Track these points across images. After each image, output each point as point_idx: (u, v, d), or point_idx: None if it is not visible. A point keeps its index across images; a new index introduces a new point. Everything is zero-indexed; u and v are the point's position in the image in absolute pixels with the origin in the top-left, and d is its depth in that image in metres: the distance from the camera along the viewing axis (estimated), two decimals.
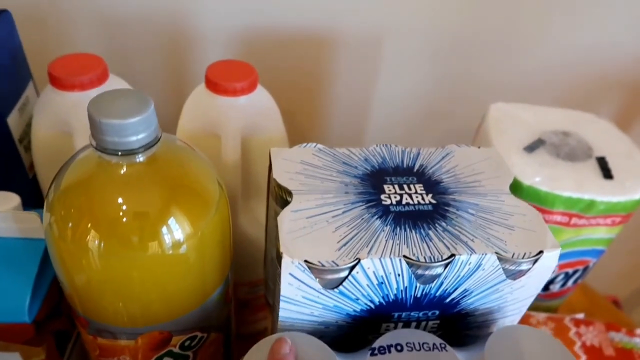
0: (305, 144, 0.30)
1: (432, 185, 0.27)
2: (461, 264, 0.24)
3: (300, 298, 0.24)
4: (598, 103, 0.66)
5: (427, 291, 0.25)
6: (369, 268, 0.23)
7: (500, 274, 0.25)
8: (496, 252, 0.24)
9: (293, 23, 0.59)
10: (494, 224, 0.26)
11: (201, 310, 0.25)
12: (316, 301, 0.24)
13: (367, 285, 0.24)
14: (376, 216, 0.25)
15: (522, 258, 0.24)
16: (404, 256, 0.23)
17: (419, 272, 0.24)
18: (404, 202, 0.26)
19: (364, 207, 0.26)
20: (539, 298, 0.42)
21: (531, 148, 0.37)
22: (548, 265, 0.25)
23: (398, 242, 0.24)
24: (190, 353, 0.27)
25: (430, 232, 0.25)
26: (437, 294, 0.25)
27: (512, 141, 0.38)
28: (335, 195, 0.26)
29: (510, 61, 0.62)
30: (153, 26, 0.58)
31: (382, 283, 0.24)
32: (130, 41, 0.57)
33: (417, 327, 0.27)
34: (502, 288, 0.25)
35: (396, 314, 0.26)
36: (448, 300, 0.25)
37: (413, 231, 0.25)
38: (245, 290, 0.40)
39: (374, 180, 0.27)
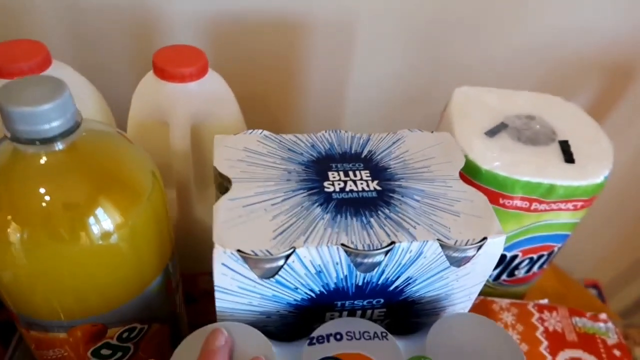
0: (251, 131, 0.29)
1: (378, 171, 0.27)
2: (402, 251, 0.23)
3: (236, 288, 0.23)
4: (574, 87, 0.65)
5: (369, 279, 0.24)
6: (305, 257, 0.22)
7: (443, 261, 0.24)
8: (438, 239, 0.23)
9: (265, 7, 0.58)
10: (439, 210, 0.25)
11: (138, 302, 0.25)
12: (253, 291, 0.23)
13: (305, 274, 0.23)
14: (317, 204, 0.25)
15: (465, 245, 0.24)
16: (342, 244, 0.23)
17: (358, 260, 0.23)
18: (347, 189, 0.25)
19: (305, 194, 0.25)
20: (504, 284, 0.42)
21: (493, 132, 0.37)
22: (493, 251, 0.24)
23: (337, 230, 0.23)
24: (130, 345, 0.26)
25: (372, 220, 0.24)
26: (380, 282, 0.24)
27: (474, 125, 0.37)
28: (277, 183, 0.25)
29: (485, 45, 0.61)
30: (119, 11, 0.56)
31: (320, 272, 0.23)
32: (95, 26, 0.56)
33: (362, 315, 0.26)
34: (447, 275, 0.25)
35: (339, 303, 0.25)
36: (392, 288, 0.25)
37: (354, 219, 0.24)
38: (207, 280, 0.40)
39: (318, 167, 0.27)
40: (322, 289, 0.24)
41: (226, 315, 0.24)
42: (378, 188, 0.26)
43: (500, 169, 0.34)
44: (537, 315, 0.38)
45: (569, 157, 0.35)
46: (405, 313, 0.27)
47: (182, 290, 0.34)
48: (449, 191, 0.26)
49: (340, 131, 0.29)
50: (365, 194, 0.25)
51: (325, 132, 0.29)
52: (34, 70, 0.30)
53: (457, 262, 0.24)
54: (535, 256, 0.39)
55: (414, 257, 0.24)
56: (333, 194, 0.25)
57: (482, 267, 0.25)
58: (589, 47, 0.61)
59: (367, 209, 0.25)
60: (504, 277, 0.41)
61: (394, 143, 0.29)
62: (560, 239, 0.39)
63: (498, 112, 0.39)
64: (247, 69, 0.62)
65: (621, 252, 0.86)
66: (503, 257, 0.39)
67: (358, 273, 0.24)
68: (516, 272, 0.41)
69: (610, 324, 0.39)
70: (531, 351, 0.36)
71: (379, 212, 0.24)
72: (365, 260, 0.23)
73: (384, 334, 0.24)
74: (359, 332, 0.24)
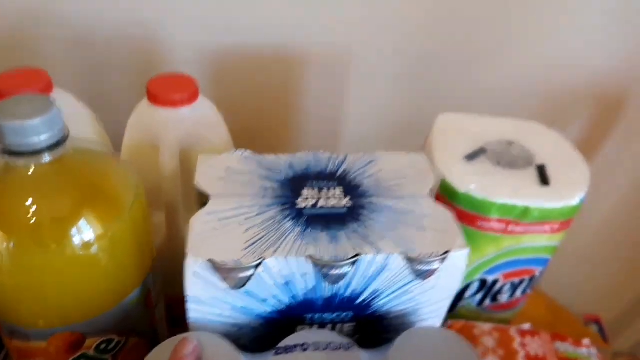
0: (234, 151, 0.30)
1: (351, 189, 0.28)
2: (367, 263, 0.24)
3: (207, 298, 0.24)
4: (567, 118, 0.66)
5: (337, 292, 0.25)
6: (273, 267, 0.24)
7: (408, 274, 0.25)
8: (402, 252, 0.25)
9: (263, 42, 0.61)
10: (406, 225, 0.26)
11: (116, 313, 0.26)
12: (224, 301, 0.24)
13: (274, 285, 0.24)
14: (289, 218, 0.26)
15: (429, 258, 0.25)
16: (309, 256, 0.24)
17: (325, 271, 0.24)
18: (319, 205, 0.27)
19: (278, 209, 0.26)
20: (488, 310, 0.42)
21: (471, 157, 0.38)
22: (457, 265, 0.25)
23: (306, 242, 0.25)
24: (109, 357, 0.27)
25: (340, 233, 0.25)
26: (347, 294, 0.25)
27: (453, 150, 0.38)
28: (253, 198, 0.27)
29: (476, 77, 0.63)
30: (123, 43, 0.59)
31: (288, 283, 0.24)
32: (99, 58, 0.59)
33: (333, 330, 0.27)
34: (413, 289, 0.26)
35: (309, 316, 0.26)
36: (359, 301, 0.26)
37: (323, 233, 0.25)
38: None
39: (293, 185, 0.28)
40: (292, 301, 0.25)
41: (199, 327, 0.25)
42: (349, 204, 0.27)
43: (477, 192, 0.35)
44: (519, 340, 0.38)
45: (544, 180, 0.36)
46: (374, 328, 0.28)
47: (168, 312, 0.34)
48: (418, 208, 0.27)
49: (318, 152, 0.31)
50: (335, 210, 0.27)
51: (304, 153, 0.31)
52: None
53: (422, 275, 0.25)
54: (516, 280, 0.40)
55: (379, 270, 0.25)
56: (305, 210, 0.26)
57: (446, 282, 0.26)
58: (579, 78, 0.63)
59: (336, 223, 0.26)
60: (487, 302, 0.41)
61: (368, 163, 0.30)
62: (540, 263, 0.39)
63: (478, 138, 0.40)
64: (246, 101, 0.64)
65: (625, 288, 0.85)
66: (484, 281, 0.40)
67: (325, 285, 0.25)
68: (499, 297, 0.41)
69: (592, 350, 0.39)
70: None
71: (348, 227, 0.26)
72: (332, 272, 0.24)
73: (349, 345, 0.25)
74: (325, 343, 0.24)
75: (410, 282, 0.25)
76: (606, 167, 0.69)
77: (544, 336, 0.39)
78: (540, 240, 0.37)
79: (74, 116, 0.35)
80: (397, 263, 0.25)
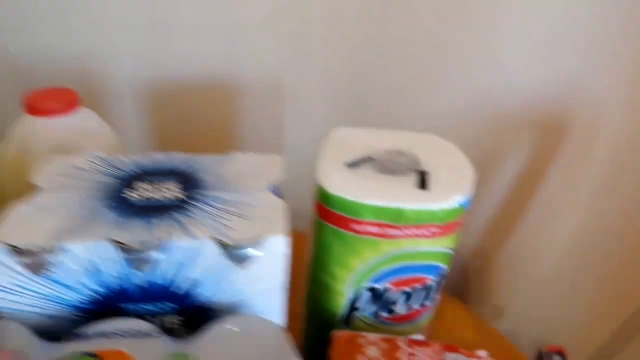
0: (88, 153, 0.31)
1: (190, 184, 0.28)
2: (177, 249, 0.24)
3: (11, 285, 0.24)
4: (508, 144, 0.66)
5: (151, 280, 0.25)
6: (77, 252, 0.24)
7: (226, 262, 0.25)
8: (215, 238, 0.24)
9: (198, 72, 0.63)
10: (232, 215, 0.26)
11: None
12: (29, 289, 0.24)
13: (80, 271, 0.24)
14: (109, 208, 0.26)
15: (243, 243, 0.24)
16: (114, 240, 0.24)
17: (132, 257, 0.24)
18: (147, 196, 0.27)
19: (102, 201, 0.26)
20: (386, 322, 0.41)
21: (354, 164, 0.38)
22: (277, 251, 0.25)
23: (117, 229, 0.24)
24: None
25: (158, 222, 0.25)
26: (162, 283, 0.25)
27: (338, 159, 0.38)
28: (81, 191, 0.27)
29: (412, 101, 0.64)
30: (64, 76, 0.62)
31: (95, 269, 0.24)
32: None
33: (159, 324, 0.26)
34: (235, 278, 0.25)
35: (127, 307, 0.26)
36: (178, 291, 0.25)
37: (140, 221, 0.25)
38: None
39: (131, 180, 0.28)
40: (106, 290, 0.25)
41: (11, 318, 0.25)
42: (180, 197, 0.27)
43: (348, 194, 0.35)
44: (406, 350, 0.37)
45: (422, 184, 0.36)
46: (203, 322, 0.27)
47: None
48: (250, 199, 0.27)
49: (175, 153, 0.31)
50: (163, 202, 0.27)
51: (161, 153, 0.31)
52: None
53: (240, 263, 0.25)
54: (409, 289, 0.39)
55: (192, 257, 0.24)
56: (130, 200, 0.26)
57: (270, 270, 0.25)
58: (519, 103, 0.63)
59: (158, 213, 0.26)
60: (383, 314, 0.40)
61: (219, 162, 0.31)
62: (431, 271, 0.39)
63: (369, 148, 0.40)
64: (183, 131, 0.65)
65: (594, 320, 0.82)
66: (374, 290, 0.39)
67: (136, 272, 0.24)
68: (394, 308, 0.40)
69: None
70: None
71: (169, 216, 0.26)
72: (139, 258, 0.24)
73: (155, 333, 0.24)
74: (129, 331, 0.24)
75: (229, 270, 0.25)
76: (559, 194, 0.69)
77: (436, 347, 0.38)
78: (423, 245, 0.37)
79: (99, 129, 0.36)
80: (211, 249, 0.24)
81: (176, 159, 0.30)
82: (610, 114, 0.62)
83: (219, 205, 0.26)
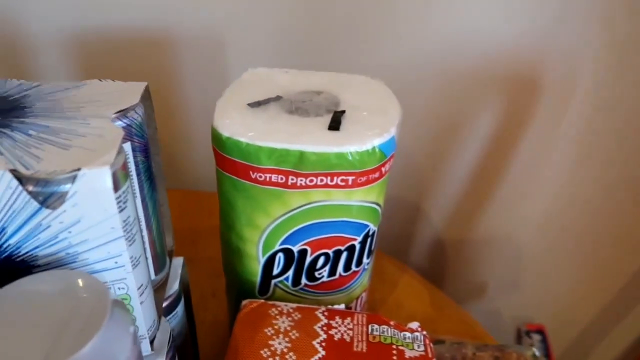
0: None
1: (11, 110, 0.23)
2: None
3: None
4: (474, 105, 0.60)
5: None
6: None
7: (28, 200, 0.19)
8: (10, 169, 0.19)
9: (129, 23, 0.57)
10: (48, 144, 0.21)
11: None
12: None
13: None
14: None
15: (47, 176, 0.19)
16: None
17: None
18: None
19: None
20: (310, 290, 0.35)
21: (258, 104, 0.32)
22: (97, 187, 0.20)
23: None
24: None
25: None
26: None
27: (240, 98, 0.33)
28: None
29: (362, 57, 0.58)
30: None
31: None
32: None
33: None
34: (48, 222, 0.20)
35: None
36: None
37: None
38: None
39: None
40: None
41: None
42: None
43: (242, 136, 0.29)
44: (324, 321, 0.32)
45: (334, 125, 0.30)
46: None
47: None
48: (82, 128, 0.22)
49: (10, 79, 0.26)
50: None
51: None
52: None
53: (46, 201, 0.19)
54: (330, 252, 0.34)
55: None
56: None
57: (92, 213, 0.20)
58: (481, 56, 0.57)
59: None
60: (304, 280, 0.35)
61: (67, 89, 0.25)
62: (353, 230, 0.33)
63: (281, 89, 0.34)
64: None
65: (577, 297, 0.76)
66: (290, 251, 0.33)
67: None
68: (317, 275, 0.35)
69: (419, 334, 0.32)
70: None
71: None
72: None
73: None
74: None
75: (37, 211, 0.19)
76: (534, 158, 0.63)
77: (359, 318, 0.32)
78: (337, 198, 0.31)
79: None
80: (5, 182, 0.19)
81: (10, 84, 0.25)
82: (587, 69, 0.56)
83: (35, 134, 0.21)
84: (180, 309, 0.32)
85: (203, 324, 0.43)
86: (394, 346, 0.31)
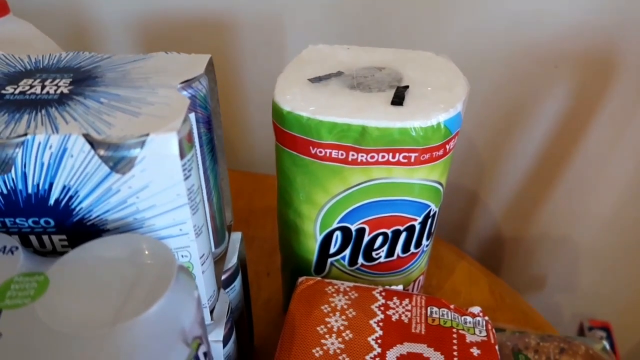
0: None
1: (83, 80, 0.23)
2: (39, 146, 0.19)
3: None
4: (542, 88, 0.57)
5: (14, 186, 0.20)
6: None
7: (99, 165, 0.20)
8: (85, 134, 0.19)
9: (187, 3, 0.58)
10: (119, 111, 0.21)
11: None
12: None
13: None
14: None
15: (118, 140, 0.19)
16: None
17: None
18: (28, 92, 0.22)
19: None
20: (366, 271, 0.35)
21: (319, 79, 0.32)
22: (164, 152, 0.20)
23: None
24: None
25: (26, 116, 0.20)
26: (30, 191, 0.20)
27: (302, 74, 0.32)
28: None
29: (423, 35, 0.56)
30: (54, 16, 0.59)
31: None
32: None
33: (40, 243, 0.22)
34: (118, 187, 0.20)
35: None
36: (52, 202, 0.21)
37: (6, 115, 0.21)
38: None
39: (18, 76, 0.24)
40: None
41: None
42: (65, 92, 0.22)
43: (303, 110, 0.29)
44: (381, 301, 0.31)
45: (397, 100, 0.29)
46: None
47: None
48: (151, 96, 0.22)
49: (82, 52, 0.26)
50: (44, 97, 0.22)
51: (68, 52, 0.26)
52: None
53: (116, 165, 0.20)
54: (388, 232, 0.33)
55: (57, 156, 0.19)
56: (5, 96, 0.22)
57: (159, 178, 0.20)
58: (551, 36, 0.54)
59: (31, 108, 0.21)
60: (361, 260, 0.34)
61: (135, 60, 0.26)
62: (414, 209, 0.32)
63: (343, 65, 0.34)
64: None
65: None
66: (347, 230, 0.33)
67: None
68: (375, 255, 0.34)
69: (481, 319, 0.31)
70: (355, 341, 0.28)
71: (42, 111, 0.21)
72: None
73: (13, 249, 0.19)
74: None
75: (108, 176, 0.20)
76: (604, 148, 0.59)
77: (418, 300, 0.31)
78: (398, 175, 0.30)
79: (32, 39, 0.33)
80: (80, 147, 0.19)
81: (82, 57, 0.25)
82: None
83: (106, 102, 0.21)
84: (237, 283, 0.32)
85: (257, 301, 0.44)
86: (454, 330, 0.30)
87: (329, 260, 0.35)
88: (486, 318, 0.31)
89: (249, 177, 0.61)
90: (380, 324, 0.29)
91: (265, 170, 0.64)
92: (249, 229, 0.52)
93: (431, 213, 0.33)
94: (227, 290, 0.31)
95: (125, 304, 0.17)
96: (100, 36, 0.60)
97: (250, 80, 0.61)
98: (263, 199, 0.56)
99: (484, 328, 0.30)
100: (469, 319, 0.31)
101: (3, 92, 0.22)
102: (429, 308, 0.31)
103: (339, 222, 0.32)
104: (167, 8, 0.57)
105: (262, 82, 0.61)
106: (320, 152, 0.29)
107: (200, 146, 0.26)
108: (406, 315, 0.30)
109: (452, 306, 0.31)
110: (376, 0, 0.54)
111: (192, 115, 0.25)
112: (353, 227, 0.32)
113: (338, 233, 0.33)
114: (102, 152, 0.19)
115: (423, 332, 0.29)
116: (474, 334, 0.30)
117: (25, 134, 0.19)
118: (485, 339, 0.29)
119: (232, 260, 0.31)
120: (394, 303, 0.31)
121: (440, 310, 0.31)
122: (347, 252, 0.34)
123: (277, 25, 0.58)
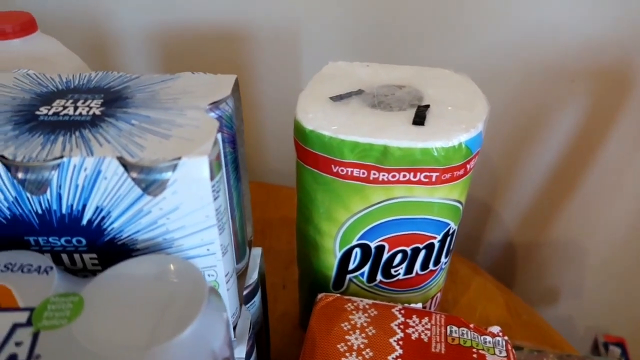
0: (17, 70, 0.27)
1: (114, 101, 0.24)
2: (74, 168, 0.20)
3: None
4: (558, 101, 0.57)
5: (49, 207, 0.21)
6: None
7: (132, 187, 0.20)
8: (119, 157, 0.20)
9: (205, 17, 0.58)
10: (150, 134, 0.21)
11: None
12: None
13: None
14: (12, 123, 0.22)
15: (151, 163, 0.20)
16: (1, 156, 0.20)
17: (20, 175, 0.20)
18: (61, 113, 0.23)
19: (7, 116, 0.22)
20: (385, 287, 0.35)
21: (340, 97, 0.32)
22: (195, 175, 0.20)
23: (11, 144, 0.20)
24: None
25: (61, 138, 0.21)
26: (64, 211, 0.21)
27: (323, 92, 0.33)
28: None
29: (440, 49, 0.56)
30: (73, 29, 0.60)
31: None
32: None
33: (71, 262, 0.22)
34: (149, 208, 0.21)
35: (32, 239, 0.22)
36: (85, 222, 0.21)
37: (41, 137, 0.21)
38: None
39: (51, 96, 0.24)
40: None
41: None
42: (97, 113, 0.23)
43: (325, 129, 0.29)
44: (401, 319, 0.31)
45: (418, 120, 0.30)
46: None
47: None
48: (180, 118, 0.23)
49: (112, 72, 0.27)
50: (77, 118, 0.22)
51: (96, 72, 0.27)
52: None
53: (148, 188, 0.20)
54: (408, 249, 0.33)
55: (91, 178, 0.20)
56: (40, 117, 0.22)
57: (188, 199, 0.20)
58: (567, 50, 0.54)
59: (65, 129, 0.22)
60: (379, 277, 0.34)
61: (163, 81, 0.26)
62: (434, 228, 0.32)
63: (363, 82, 0.34)
64: None
65: None
66: (367, 247, 0.33)
67: (30, 197, 0.20)
68: (393, 272, 0.34)
69: (500, 339, 0.31)
70: (376, 359, 0.29)
71: (75, 133, 0.21)
72: (29, 176, 0.20)
73: (48, 269, 0.20)
74: (20, 265, 0.20)
75: (140, 198, 0.20)
76: (620, 161, 0.59)
77: (437, 319, 0.31)
78: (419, 194, 0.30)
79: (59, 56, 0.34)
80: (114, 169, 0.20)
81: (111, 77, 0.26)
82: None
83: (137, 123, 0.21)
84: (257, 298, 0.33)
85: (273, 314, 0.44)
86: (474, 349, 0.30)
87: (348, 276, 0.35)
88: (506, 338, 0.31)
89: (263, 187, 0.61)
90: (400, 342, 0.30)
91: (279, 181, 0.64)
92: (264, 241, 0.53)
93: (450, 231, 0.33)
94: (247, 306, 0.31)
95: (158, 325, 0.18)
96: (120, 50, 0.61)
97: (265, 92, 0.62)
98: (278, 210, 0.57)
99: (504, 348, 0.30)
100: (488, 338, 0.31)
101: (37, 112, 0.23)
102: (448, 327, 0.31)
103: (358, 239, 0.33)
104: (185, 23, 0.58)
105: (276, 94, 0.61)
106: (342, 170, 0.30)
107: (225, 165, 0.27)
108: (426, 334, 0.30)
109: (471, 325, 0.31)
110: (390, 16, 0.55)
111: (219, 135, 0.25)
112: (372, 245, 0.33)
113: (357, 250, 0.33)
114: (134, 175, 0.20)
115: (443, 352, 0.29)
116: (494, 354, 0.30)
117: (61, 157, 0.20)
118: (505, 359, 0.29)
119: (253, 277, 0.31)
120: (414, 321, 0.31)
121: (460, 329, 0.31)
122: (366, 268, 0.34)
123: (292, 40, 0.58)
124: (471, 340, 0.30)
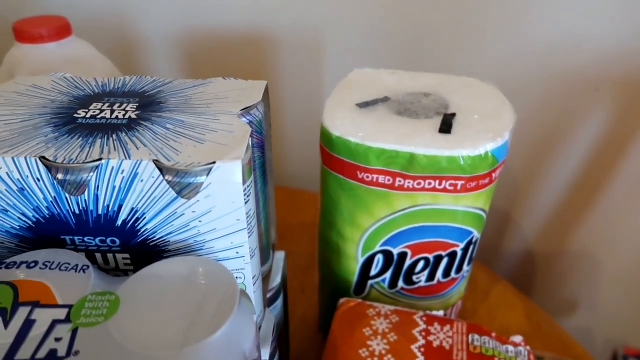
0: (54, 73, 0.28)
1: (149, 105, 0.24)
2: (112, 170, 0.20)
3: None
4: (582, 109, 0.57)
5: (86, 207, 0.21)
6: (1, 168, 0.20)
7: (167, 190, 0.21)
8: (154, 159, 0.20)
9: (231, 24, 0.59)
10: (185, 138, 0.22)
11: None
12: None
13: (7, 190, 0.21)
14: (52, 125, 0.23)
15: (187, 167, 0.20)
16: (41, 157, 0.20)
17: (60, 176, 0.20)
18: (99, 116, 0.23)
19: (47, 118, 0.23)
20: (406, 294, 0.35)
21: (366, 104, 0.32)
22: (228, 179, 0.20)
23: (51, 146, 0.21)
24: None
25: (99, 141, 0.22)
26: (100, 212, 0.21)
27: (350, 99, 0.33)
28: (31, 109, 0.24)
29: (466, 62, 0.56)
30: (102, 33, 0.61)
31: (23, 190, 0.21)
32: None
33: (105, 261, 0.23)
34: (182, 211, 0.21)
35: (68, 239, 0.22)
36: (119, 223, 0.22)
37: (80, 139, 0.22)
38: None
39: (88, 100, 0.25)
40: (37, 215, 0.22)
41: None
42: (134, 117, 0.23)
43: (352, 136, 0.29)
44: (422, 326, 0.31)
45: (445, 128, 0.30)
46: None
47: None
48: (213, 124, 0.23)
49: (145, 77, 0.28)
50: (113, 121, 0.23)
51: (130, 76, 0.28)
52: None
53: (183, 191, 0.21)
54: (430, 257, 0.33)
55: (128, 180, 0.21)
56: (78, 120, 0.23)
57: (221, 202, 0.21)
58: (592, 58, 0.54)
59: (103, 132, 0.22)
60: (401, 284, 0.35)
61: (195, 86, 0.27)
62: (457, 236, 0.32)
63: (389, 90, 0.34)
64: None
65: None
66: (389, 253, 0.33)
67: (68, 197, 0.21)
68: (415, 279, 0.34)
69: (523, 349, 0.31)
70: None
71: (113, 136, 0.22)
72: (68, 177, 0.20)
73: (85, 267, 0.20)
74: (58, 263, 0.21)
75: (174, 200, 0.21)
76: None
77: (459, 326, 0.32)
78: (444, 202, 0.30)
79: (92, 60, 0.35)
80: (150, 172, 0.20)
81: (145, 81, 0.27)
82: None
83: (172, 128, 0.22)
84: (280, 302, 0.33)
85: (292, 318, 0.44)
86: (497, 359, 0.29)
87: (369, 282, 0.35)
88: (528, 348, 0.31)
89: (283, 191, 0.62)
90: (422, 349, 0.30)
91: (299, 185, 0.65)
92: (284, 244, 0.53)
93: (473, 239, 0.33)
94: (270, 309, 0.31)
95: (192, 326, 0.18)
96: (147, 55, 0.62)
97: (288, 98, 0.62)
98: (299, 215, 0.57)
99: (526, 358, 0.30)
100: (510, 348, 0.31)
101: (76, 115, 0.23)
102: (470, 335, 0.31)
103: (381, 246, 0.33)
104: (211, 28, 0.59)
105: (299, 100, 0.62)
106: (368, 177, 0.30)
107: (254, 170, 0.27)
108: (447, 342, 0.30)
109: (493, 334, 0.31)
110: (413, 23, 0.55)
111: (249, 140, 0.26)
112: (395, 251, 0.33)
113: (380, 256, 0.33)
114: (170, 178, 0.20)
115: None
116: None
117: (100, 159, 0.20)
118: None
119: (277, 280, 0.32)
120: (435, 329, 0.31)
121: (482, 338, 0.31)
122: (388, 275, 0.34)
123: (315, 46, 0.59)
124: (493, 349, 0.30)
